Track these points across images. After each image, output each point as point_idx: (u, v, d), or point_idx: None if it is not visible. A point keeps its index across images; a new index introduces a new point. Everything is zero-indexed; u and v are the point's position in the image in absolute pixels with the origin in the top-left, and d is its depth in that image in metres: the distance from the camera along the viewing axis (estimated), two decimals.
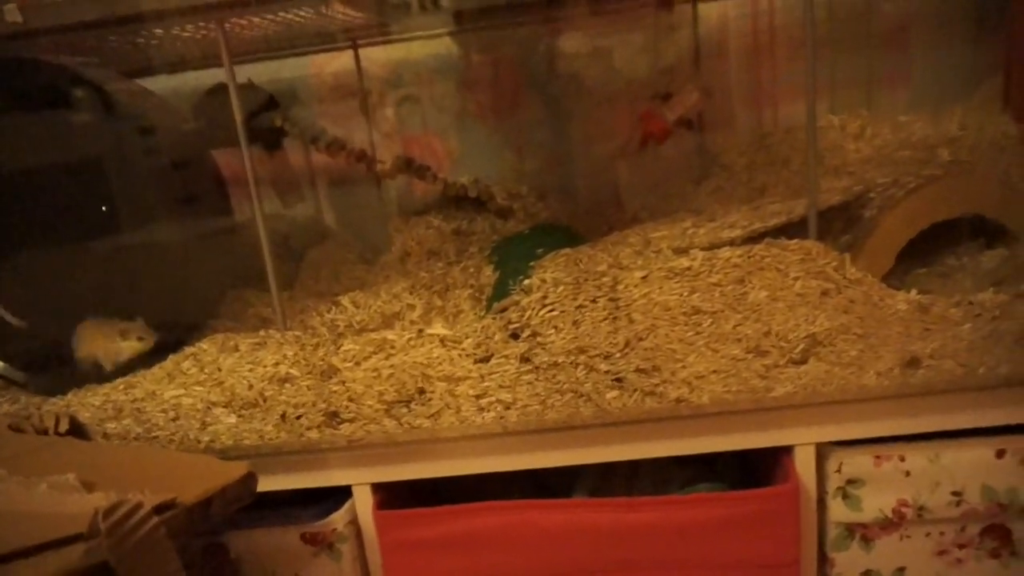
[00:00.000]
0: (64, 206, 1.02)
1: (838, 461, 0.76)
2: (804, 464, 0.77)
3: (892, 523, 0.76)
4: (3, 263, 1.02)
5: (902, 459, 0.75)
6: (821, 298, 0.79)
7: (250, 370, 0.84)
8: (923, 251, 0.95)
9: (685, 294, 0.80)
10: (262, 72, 1.29)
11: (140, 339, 0.92)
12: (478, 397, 0.78)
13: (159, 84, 1.17)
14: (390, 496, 0.82)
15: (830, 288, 0.79)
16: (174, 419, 0.82)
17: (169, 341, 0.94)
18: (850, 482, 0.76)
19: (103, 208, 1.02)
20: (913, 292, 0.81)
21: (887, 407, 0.75)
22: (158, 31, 0.89)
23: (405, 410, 0.79)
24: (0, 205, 1.01)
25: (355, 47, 1.29)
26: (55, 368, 0.96)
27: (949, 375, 0.73)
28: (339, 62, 1.37)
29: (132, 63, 1.10)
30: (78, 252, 1.02)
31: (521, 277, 0.92)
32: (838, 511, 0.77)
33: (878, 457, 0.75)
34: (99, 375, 0.93)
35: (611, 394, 0.76)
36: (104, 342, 0.92)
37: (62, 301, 1.02)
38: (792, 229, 0.88)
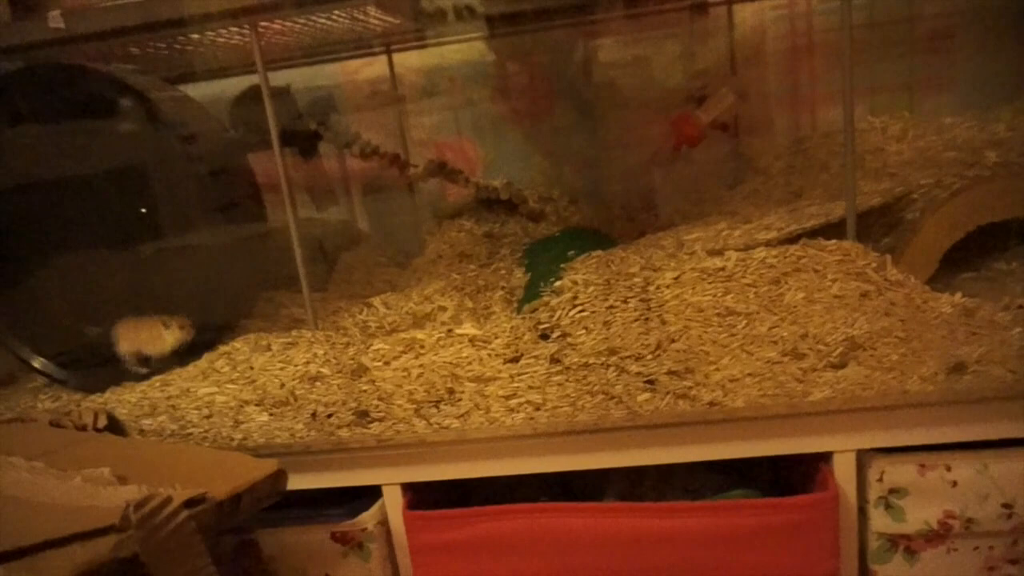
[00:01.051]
0: (105, 210, 1.05)
1: (880, 469, 0.73)
2: (844, 472, 0.74)
3: (938, 535, 0.73)
4: (49, 267, 1.04)
5: (948, 468, 0.72)
6: (860, 300, 0.76)
7: (281, 369, 0.85)
8: (969, 256, 0.91)
9: (719, 295, 0.78)
10: (296, 77, 1.31)
11: (182, 328, 0.94)
12: (507, 398, 0.77)
13: (196, 91, 1.19)
14: (420, 496, 0.81)
15: (870, 290, 0.77)
16: (207, 416, 0.83)
17: (204, 341, 0.95)
18: (892, 491, 0.73)
19: (143, 212, 1.05)
20: (958, 295, 0.78)
21: (932, 414, 0.72)
22: (194, 35, 0.91)
23: (434, 410, 0.78)
24: (44, 209, 1.03)
25: (389, 52, 1.30)
26: (95, 366, 0.98)
27: (997, 382, 0.70)
28: (373, 68, 1.38)
29: (169, 69, 1.13)
30: (118, 255, 1.04)
31: (552, 279, 0.91)
32: (880, 521, 0.74)
33: (922, 466, 0.72)
34: (146, 365, 0.95)
35: (642, 396, 0.74)
36: (148, 335, 0.95)
37: (104, 302, 1.04)
38: (830, 232, 0.86)
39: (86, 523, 0.54)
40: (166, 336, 0.95)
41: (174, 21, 0.80)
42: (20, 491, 0.61)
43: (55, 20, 0.76)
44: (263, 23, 0.86)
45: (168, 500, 0.55)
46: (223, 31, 0.91)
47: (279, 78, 1.19)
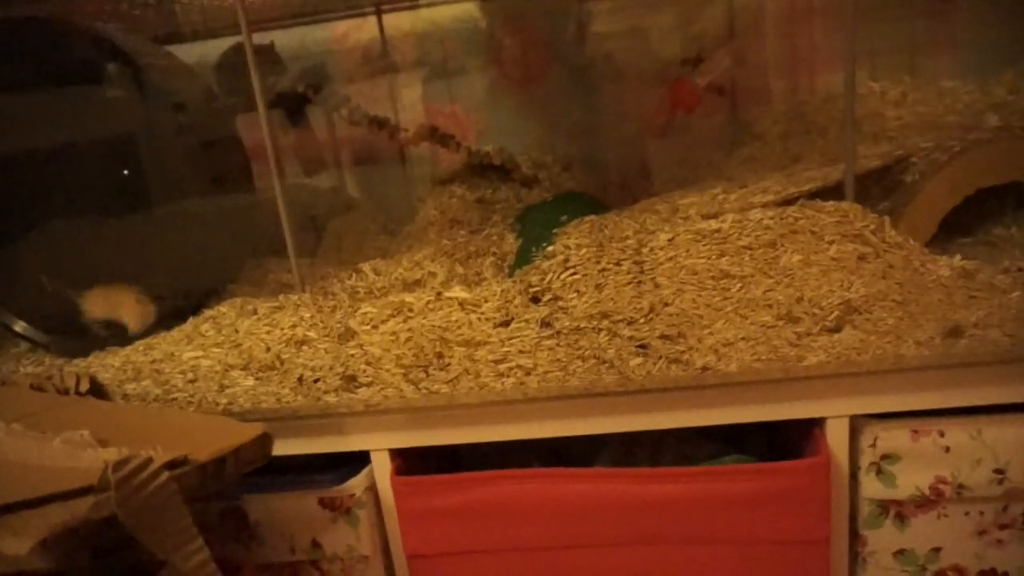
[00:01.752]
0: (90, 175, 1.03)
1: (873, 435, 0.73)
2: (836, 437, 0.74)
3: (929, 501, 0.73)
4: (34, 232, 1.02)
5: (941, 434, 0.71)
6: (858, 263, 0.75)
7: (267, 332, 0.84)
8: (967, 221, 0.90)
9: (713, 258, 0.76)
10: (284, 40, 1.28)
11: (143, 303, 0.93)
12: (497, 362, 0.76)
13: (182, 52, 1.16)
14: (408, 462, 0.80)
15: (868, 252, 0.75)
16: (192, 381, 0.81)
17: (189, 306, 0.93)
18: (885, 457, 0.73)
19: (127, 176, 1.03)
20: (957, 258, 0.76)
21: (926, 378, 0.71)
22: None
23: (423, 375, 0.77)
24: (29, 173, 1.01)
25: (379, 13, 1.27)
26: (78, 331, 0.96)
27: (994, 346, 0.69)
28: (362, 31, 1.35)
29: (154, 28, 1.10)
30: (103, 221, 1.02)
31: (544, 244, 0.89)
32: (871, 487, 0.74)
33: (915, 432, 0.72)
34: (110, 331, 0.94)
35: (635, 361, 0.73)
36: (121, 302, 0.93)
37: (88, 268, 1.02)
38: (827, 196, 0.84)
39: (64, 484, 0.53)
40: (136, 310, 0.93)
41: None
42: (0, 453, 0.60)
43: None
44: None
45: (149, 461, 0.54)
46: None
47: (264, 39, 1.16)
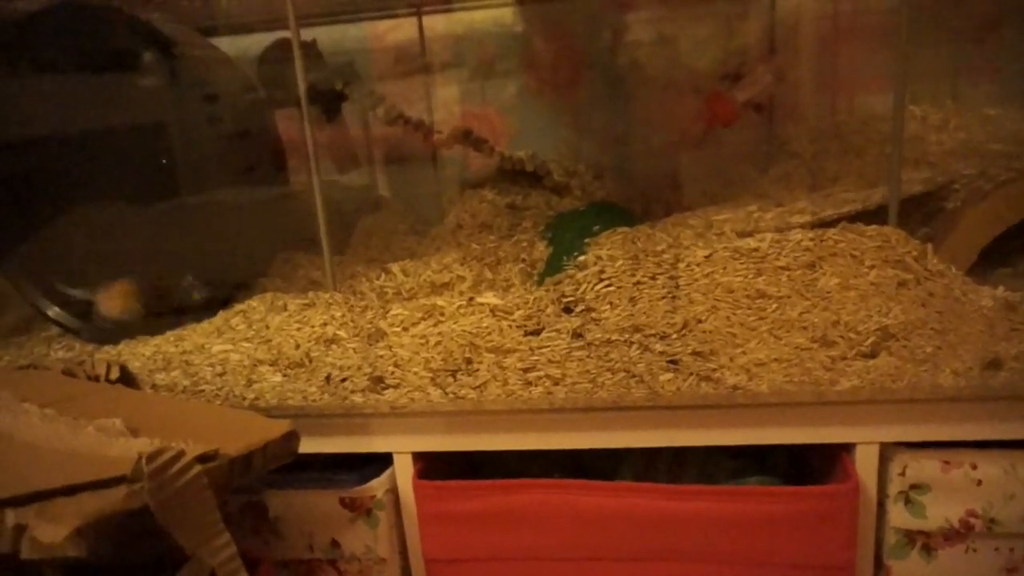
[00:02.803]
0: (126, 162, 1.04)
1: (903, 463, 0.72)
2: (865, 464, 0.73)
3: (958, 534, 0.71)
4: (69, 218, 1.03)
5: (974, 467, 0.70)
6: (897, 289, 0.74)
7: (298, 329, 0.84)
8: (1009, 251, 0.89)
9: (750, 277, 0.76)
10: (324, 37, 1.28)
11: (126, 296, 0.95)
12: (526, 371, 0.76)
13: (223, 45, 1.17)
14: (430, 466, 0.80)
15: (908, 279, 0.74)
16: (221, 374, 0.82)
17: (220, 298, 0.94)
18: (914, 487, 0.72)
19: (164, 165, 1.03)
20: (1000, 288, 0.75)
21: (962, 410, 0.70)
22: None
23: (451, 379, 0.77)
24: (67, 159, 1.02)
25: (419, 14, 1.27)
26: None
27: None
28: (401, 31, 1.35)
29: (196, 20, 1.11)
30: (137, 209, 1.03)
31: (576, 253, 0.89)
32: (899, 517, 0.72)
33: (947, 463, 0.71)
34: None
35: (665, 376, 0.73)
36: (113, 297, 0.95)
37: (120, 257, 1.03)
38: (865, 219, 0.83)
39: (97, 472, 0.54)
40: (117, 303, 0.95)
41: None
42: (32, 437, 0.60)
43: None
44: None
45: (181, 454, 0.55)
46: None
47: (305, 36, 1.17)
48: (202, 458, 0.57)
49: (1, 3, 0.89)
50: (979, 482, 0.70)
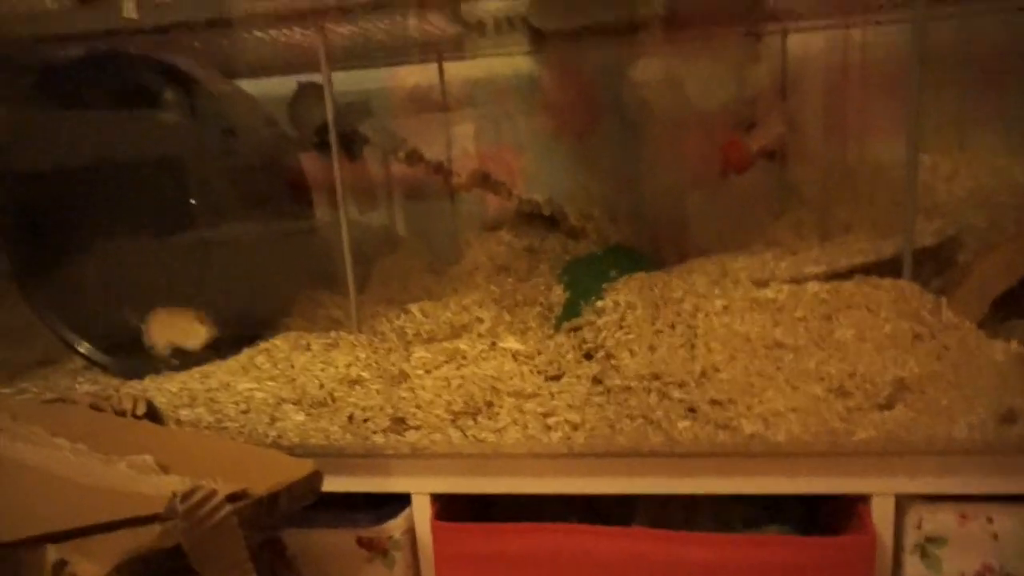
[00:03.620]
0: (152, 199, 1.06)
1: (919, 516, 0.72)
2: (881, 515, 0.73)
3: None
4: (93, 253, 1.06)
5: (990, 520, 0.71)
6: (913, 342, 0.75)
7: (322, 370, 0.85)
8: (1019, 302, 0.90)
9: (768, 327, 0.77)
10: (347, 80, 1.32)
11: (206, 324, 0.96)
12: (546, 415, 0.77)
13: (247, 86, 1.21)
14: (448, 507, 0.81)
15: (923, 332, 0.75)
16: (245, 411, 0.83)
17: (245, 336, 0.96)
18: (930, 540, 0.72)
19: (190, 203, 1.06)
20: (1014, 343, 0.76)
21: (978, 463, 0.71)
22: (259, 34, 0.92)
23: (471, 422, 0.78)
24: (95, 194, 1.05)
25: (440, 61, 1.31)
26: (137, 354, 0.99)
27: None
28: (420, 75, 1.39)
29: (222, 63, 1.14)
30: (164, 245, 1.06)
31: (593, 298, 0.91)
32: (915, 569, 0.73)
33: (963, 516, 0.71)
34: (177, 357, 0.96)
35: (683, 423, 0.74)
36: (181, 327, 0.96)
37: (146, 291, 1.05)
38: (878, 269, 0.85)
39: (132, 509, 0.55)
40: (199, 330, 0.96)
41: (239, 19, 0.81)
42: (67, 472, 0.62)
43: (129, 10, 0.77)
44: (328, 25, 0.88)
45: (213, 493, 0.56)
46: (285, 30, 0.92)
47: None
48: (232, 497, 0.59)
49: (49, 50, 0.92)
50: (995, 536, 0.70)
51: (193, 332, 0.95)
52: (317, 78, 0.91)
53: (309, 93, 1.12)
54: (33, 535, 0.52)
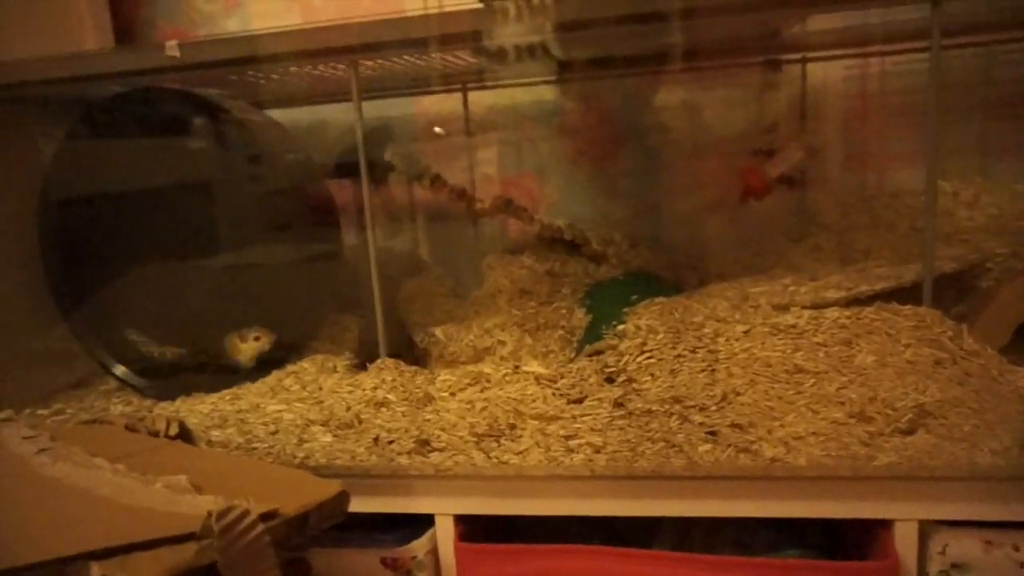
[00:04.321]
0: (187, 225, 1.10)
1: (943, 542, 0.72)
2: (905, 541, 0.73)
3: None
4: (130, 280, 1.09)
5: (1016, 548, 0.70)
6: (934, 368, 0.75)
7: (349, 392, 0.87)
8: None
9: (788, 352, 0.78)
10: (371, 109, 1.36)
11: (257, 339, 0.99)
12: (568, 438, 0.78)
13: (279, 116, 1.25)
14: (471, 528, 0.82)
15: (944, 358, 0.76)
16: (274, 433, 0.85)
17: (275, 358, 0.98)
18: (955, 566, 0.72)
19: (223, 229, 1.09)
20: None
21: (1002, 489, 0.70)
22: (292, 68, 0.96)
23: (495, 444, 0.79)
24: (132, 221, 1.09)
25: (464, 90, 1.34)
26: (170, 376, 1.02)
27: None
28: (445, 103, 1.42)
29: (255, 95, 1.18)
30: (194, 269, 1.09)
31: (615, 322, 0.92)
32: None
33: (988, 543, 0.71)
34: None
35: (704, 447, 0.74)
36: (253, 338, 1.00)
37: (181, 315, 1.09)
38: (898, 295, 0.85)
39: (169, 528, 0.57)
40: (243, 347, 1.00)
41: (278, 55, 0.84)
42: (108, 491, 0.64)
43: (171, 49, 0.81)
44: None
45: (247, 512, 0.58)
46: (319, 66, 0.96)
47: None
48: (264, 516, 0.60)
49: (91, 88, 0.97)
50: (1022, 564, 0.70)
51: (266, 338, 0.99)
52: (346, 107, 0.95)
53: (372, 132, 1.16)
54: (77, 553, 0.54)
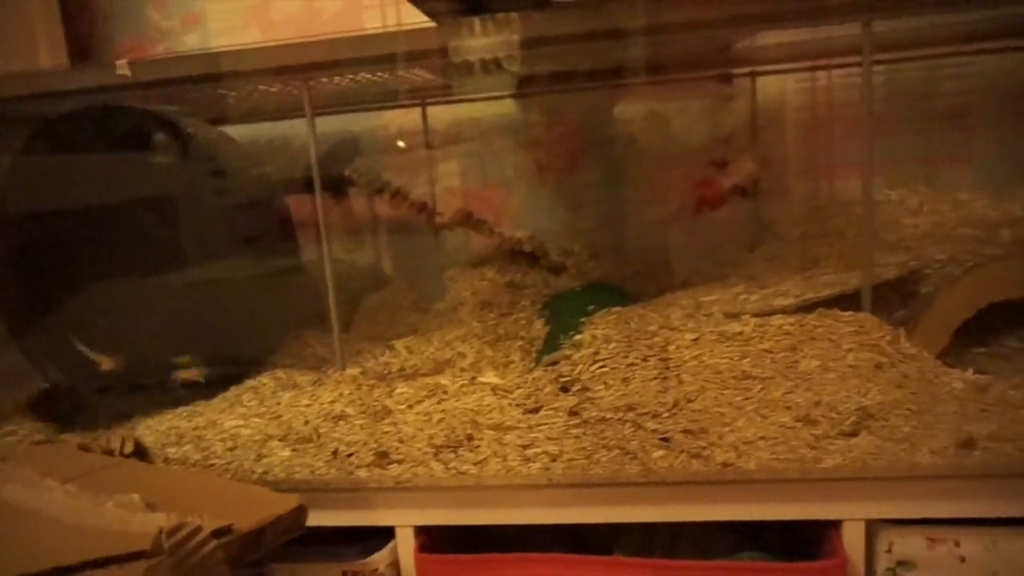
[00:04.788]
0: (140, 240, 1.09)
1: (888, 540, 0.74)
2: (853, 540, 0.75)
3: None
4: (85, 297, 1.08)
5: (957, 544, 0.73)
6: (874, 371, 0.78)
7: (307, 406, 0.87)
8: (982, 331, 0.93)
9: (736, 359, 0.80)
10: (332, 124, 1.37)
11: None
12: (525, 447, 0.79)
13: (236, 131, 1.25)
14: (431, 539, 0.83)
15: (883, 362, 0.79)
16: (231, 448, 0.85)
17: (232, 374, 0.98)
18: (901, 563, 0.74)
19: (176, 243, 1.09)
20: (970, 371, 0.79)
21: (941, 487, 0.73)
22: (248, 87, 0.96)
23: (453, 455, 0.80)
24: (86, 237, 1.08)
25: (423, 105, 1.35)
26: (125, 393, 1.01)
27: (1008, 459, 0.71)
28: (407, 116, 1.43)
29: (210, 111, 1.18)
30: (150, 285, 1.08)
31: (572, 332, 0.93)
32: None
33: (931, 540, 0.73)
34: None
35: (657, 453, 0.76)
36: None
37: (134, 333, 1.08)
38: (845, 301, 0.88)
39: (119, 547, 0.57)
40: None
41: (230, 74, 0.85)
42: (57, 512, 0.63)
43: (122, 68, 0.82)
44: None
45: (199, 529, 0.58)
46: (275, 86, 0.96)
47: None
48: (217, 532, 0.60)
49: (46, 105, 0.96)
50: (962, 559, 0.73)
51: (197, 372, 0.99)
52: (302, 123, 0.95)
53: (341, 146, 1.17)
54: (27, 574, 0.54)
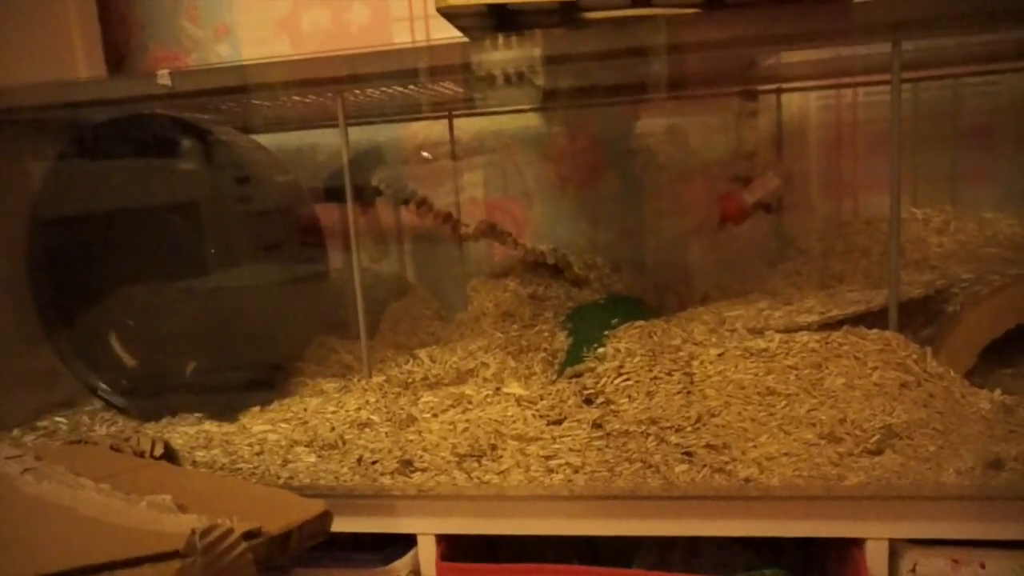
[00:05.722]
0: (171, 247, 1.11)
1: (912, 560, 0.74)
2: (876, 560, 0.75)
3: None
4: (117, 300, 1.10)
5: (982, 566, 0.72)
6: (900, 390, 0.78)
7: (333, 413, 0.89)
8: (1009, 352, 0.93)
9: (760, 374, 0.80)
10: (357, 134, 1.39)
11: None
12: (548, 458, 0.80)
13: (264, 140, 1.27)
14: (452, 548, 0.83)
15: (909, 380, 0.78)
16: (258, 453, 0.86)
17: (261, 380, 0.99)
18: None
19: (210, 251, 1.11)
20: (997, 392, 0.79)
21: (968, 508, 0.73)
22: (283, 98, 0.99)
23: (476, 464, 0.81)
24: (118, 242, 1.10)
25: (450, 117, 1.37)
26: (153, 396, 1.03)
27: None
28: (432, 128, 1.45)
29: (247, 121, 1.21)
30: (179, 290, 1.10)
31: (595, 345, 0.94)
32: None
33: (956, 561, 0.73)
34: None
35: (680, 467, 0.76)
36: None
37: (165, 337, 1.10)
38: (870, 319, 0.88)
39: (152, 547, 0.58)
40: None
41: (266, 85, 0.87)
42: (92, 510, 0.65)
43: (163, 78, 0.84)
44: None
45: (230, 530, 0.59)
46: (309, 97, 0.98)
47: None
48: (247, 535, 0.62)
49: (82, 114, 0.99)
50: None
51: None
52: (335, 132, 0.97)
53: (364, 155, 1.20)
54: (60, 571, 0.55)
